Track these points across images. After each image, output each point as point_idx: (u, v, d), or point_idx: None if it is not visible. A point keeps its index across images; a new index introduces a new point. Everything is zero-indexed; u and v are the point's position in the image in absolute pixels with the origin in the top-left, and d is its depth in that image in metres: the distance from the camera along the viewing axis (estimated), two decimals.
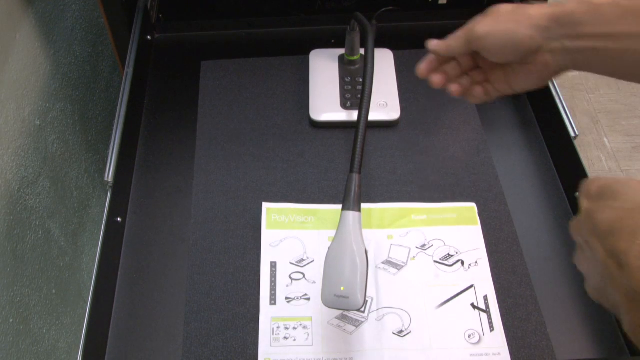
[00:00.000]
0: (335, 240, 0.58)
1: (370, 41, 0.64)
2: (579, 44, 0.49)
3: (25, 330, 0.77)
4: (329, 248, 0.59)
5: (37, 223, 0.82)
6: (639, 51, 0.46)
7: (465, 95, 0.60)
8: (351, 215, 0.58)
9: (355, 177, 0.59)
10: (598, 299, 0.43)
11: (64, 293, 0.90)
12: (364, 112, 0.61)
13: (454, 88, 0.59)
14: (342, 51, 0.90)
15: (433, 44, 0.57)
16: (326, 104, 0.86)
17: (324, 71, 0.89)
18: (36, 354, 0.80)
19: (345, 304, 0.56)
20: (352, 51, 0.87)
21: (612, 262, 0.38)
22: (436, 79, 0.58)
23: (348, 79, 0.88)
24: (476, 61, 0.58)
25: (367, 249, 0.73)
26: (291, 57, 0.95)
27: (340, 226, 0.58)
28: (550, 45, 0.51)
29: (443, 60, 0.59)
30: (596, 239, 0.40)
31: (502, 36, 0.52)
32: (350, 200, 0.59)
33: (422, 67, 0.59)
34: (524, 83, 0.55)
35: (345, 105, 0.85)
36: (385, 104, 0.85)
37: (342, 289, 0.56)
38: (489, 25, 0.53)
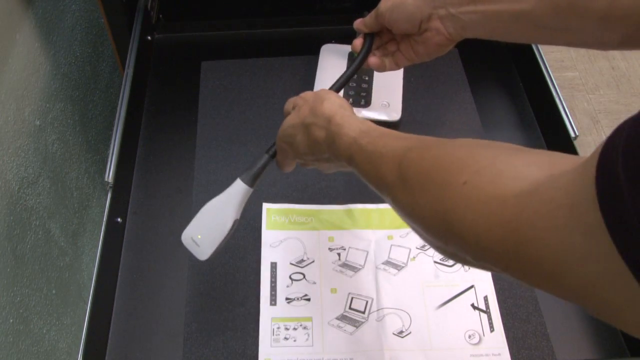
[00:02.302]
0: (220, 197, 0.60)
1: (368, 40, 0.65)
2: (461, 9, 0.57)
3: (25, 330, 0.77)
4: (212, 199, 0.60)
5: (37, 223, 0.82)
6: (511, 10, 0.54)
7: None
8: (243, 187, 0.59)
9: (266, 158, 0.60)
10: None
11: (64, 293, 0.90)
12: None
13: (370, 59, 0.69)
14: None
15: (356, 23, 0.67)
16: None
17: (331, 68, 0.88)
18: (36, 354, 0.80)
19: (195, 250, 0.60)
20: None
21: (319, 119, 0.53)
22: (357, 43, 0.68)
23: (354, 77, 0.87)
24: (392, 34, 0.67)
25: (366, 248, 0.73)
26: (291, 57, 0.95)
27: (230, 189, 0.60)
28: (438, 12, 0.59)
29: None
30: (307, 110, 0.55)
31: (397, 10, 0.61)
32: (250, 174, 0.59)
33: (357, 42, 0.68)
34: (425, 51, 0.63)
35: None
36: (387, 104, 0.85)
37: (199, 237, 0.60)
38: (390, 2, 0.62)
